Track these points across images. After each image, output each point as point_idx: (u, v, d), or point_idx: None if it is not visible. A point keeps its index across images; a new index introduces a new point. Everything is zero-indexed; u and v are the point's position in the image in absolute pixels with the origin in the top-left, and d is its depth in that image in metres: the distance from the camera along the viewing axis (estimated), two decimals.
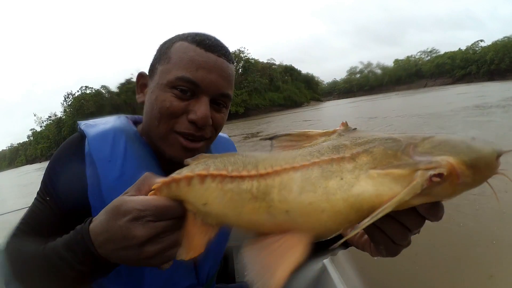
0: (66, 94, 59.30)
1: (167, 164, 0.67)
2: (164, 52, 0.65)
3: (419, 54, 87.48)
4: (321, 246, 0.70)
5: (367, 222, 0.30)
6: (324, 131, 0.41)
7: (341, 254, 1.09)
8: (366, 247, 0.51)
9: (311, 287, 0.99)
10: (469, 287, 1.81)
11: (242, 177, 0.38)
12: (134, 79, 0.75)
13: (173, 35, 0.69)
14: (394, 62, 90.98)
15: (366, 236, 0.50)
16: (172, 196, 0.43)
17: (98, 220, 0.44)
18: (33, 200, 0.66)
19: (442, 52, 79.87)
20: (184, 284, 0.70)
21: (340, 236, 0.67)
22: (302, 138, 0.41)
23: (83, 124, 0.69)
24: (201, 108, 0.62)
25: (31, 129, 74.73)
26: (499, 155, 0.31)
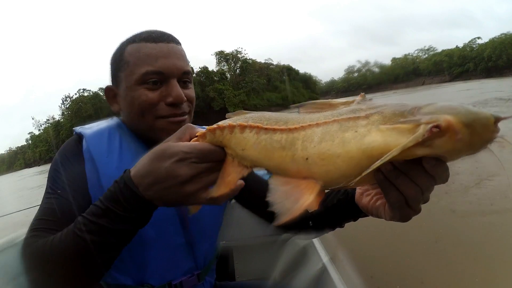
0: (64, 96, 59.09)
1: None
2: (119, 60, 0.72)
3: (416, 52, 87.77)
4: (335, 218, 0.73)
5: (381, 161, 0.36)
6: (345, 100, 0.48)
7: (341, 254, 1.09)
8: (380, 211, 0.54)
9: (311, 287, 0.99)
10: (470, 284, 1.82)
11: (274, 130, 0.46)
12: None
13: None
14: (391, 61, 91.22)
15: (380, 201, 0.55)
16: (215, 142, 0.50)
17: (141, 165, 0.49)
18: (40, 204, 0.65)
19: (439, 50, 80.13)
20: (184, 267, 0.74)
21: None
22: (326, 106, 0.48)
23: (79, 128, 0.76)
24: (174, 90, 0.70)
25: (29, 133, 74.53)
26: (497, 119, 0.35)
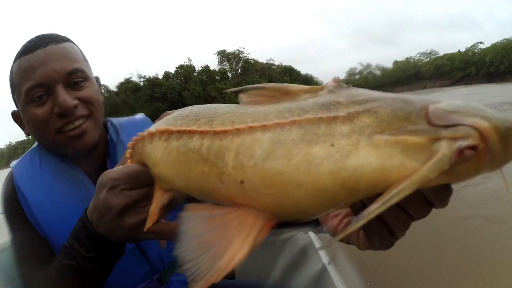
0: None
1: (85, 163, 0.72)
2: (11, 83, 0.68)
3: (418, 55, 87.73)
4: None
5: (382, 206, 0.22)
6: (310, 87, 0.31)
7: (341, 254, 1.09)
8: (352, 238, 0.42)
9: (311, 287, 0.99)
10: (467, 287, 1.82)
11: (191, 133, 0.31)
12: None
13: None
14: (393, 64, 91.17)
15: None
16: (139, 161, 0.39)
17: (91, 201, 0.44)
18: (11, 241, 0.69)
19: (441, 54, 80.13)
20: (141, 272, 0.70)
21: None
22: (280, 94, 0.31)
23: (11, 163, 0.76)
24: (57, 99, 0.63)
25: None
26: None
